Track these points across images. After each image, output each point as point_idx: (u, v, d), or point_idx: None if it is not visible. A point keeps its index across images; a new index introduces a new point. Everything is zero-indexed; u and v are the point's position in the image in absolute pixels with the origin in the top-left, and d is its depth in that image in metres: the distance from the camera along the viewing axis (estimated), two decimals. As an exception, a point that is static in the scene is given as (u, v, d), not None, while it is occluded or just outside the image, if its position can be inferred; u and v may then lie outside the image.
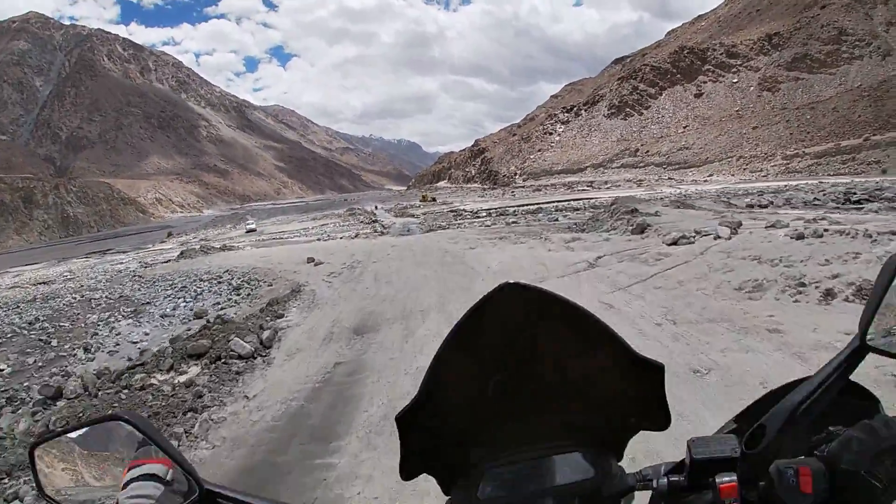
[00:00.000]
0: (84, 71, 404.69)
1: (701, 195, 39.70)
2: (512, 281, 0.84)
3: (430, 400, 0.91)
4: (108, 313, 19.13)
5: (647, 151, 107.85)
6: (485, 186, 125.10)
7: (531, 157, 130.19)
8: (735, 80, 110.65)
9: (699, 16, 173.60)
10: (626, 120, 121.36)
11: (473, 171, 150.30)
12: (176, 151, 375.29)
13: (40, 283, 34.10)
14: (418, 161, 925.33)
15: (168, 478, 0.77)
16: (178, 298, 19.58)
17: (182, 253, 33.59)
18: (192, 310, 16.81)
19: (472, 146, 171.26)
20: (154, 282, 24.58)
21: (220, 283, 20.90)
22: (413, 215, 57.21)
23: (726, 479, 0.77)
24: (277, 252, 28.28)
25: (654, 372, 0.90)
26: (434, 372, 0.90)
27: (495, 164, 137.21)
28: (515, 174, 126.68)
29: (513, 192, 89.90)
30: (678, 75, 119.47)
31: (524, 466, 0.93)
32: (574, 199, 57.17)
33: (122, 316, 18.33)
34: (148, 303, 19.94)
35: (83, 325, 17.97)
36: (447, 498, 1.00)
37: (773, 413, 0.79)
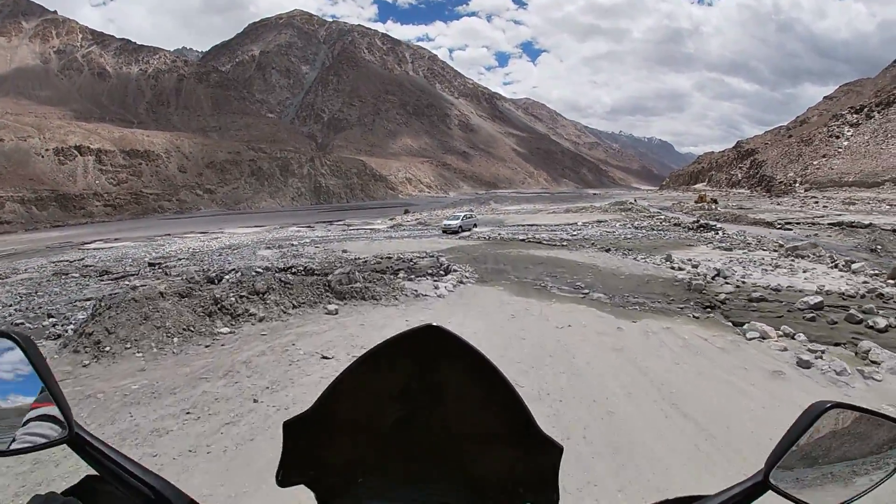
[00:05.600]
0: (345, 61, 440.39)
1: None
2: (437, 324, 0.82)
3: (326, 416, 0.89)
4: None
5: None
6: (754, 193, 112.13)
7: (814, 163, 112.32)
8: None
9: None
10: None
11: (740, 175, 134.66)
12: (428, 136, 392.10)
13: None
14: (669, 161, 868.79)
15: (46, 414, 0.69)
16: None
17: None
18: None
19: (736, 147, 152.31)
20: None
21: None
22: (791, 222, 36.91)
23: None
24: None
25: (553, 452, 0.89)
26: (336, 388, 0.87)
27: (769, 169, 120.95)
28: (794, 182, 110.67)
29: (817, 202, 69.37)
30: None
31: None
32: None
33: None
34: None
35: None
36: None
37: None
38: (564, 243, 27.54)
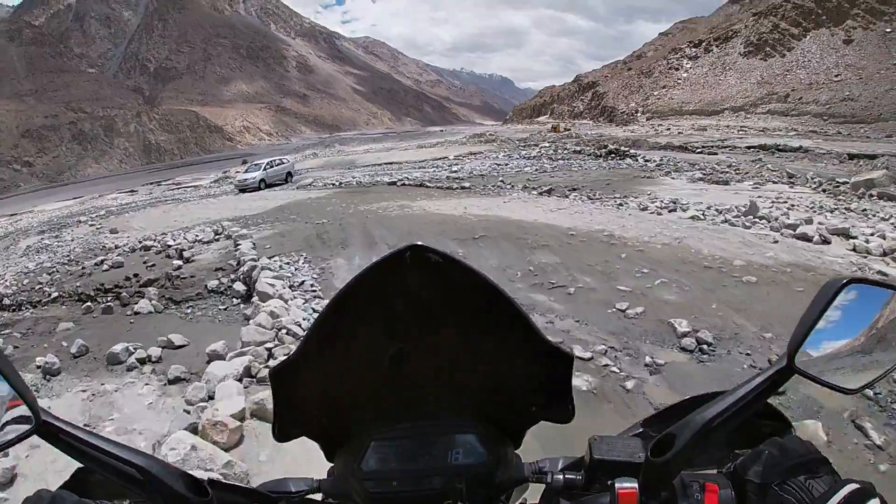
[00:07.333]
0: (171, 4, 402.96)
1: None
2: (420, 243, 0.77)
3: (315, 358, 0.85)
4: None
5: (801, 98, 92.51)
6: (598, 123, 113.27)
7: (655, 93, 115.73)
8: (889, 30, 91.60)
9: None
10: (766, 61, 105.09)
11: (582, 107, 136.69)
12: (264, 80, 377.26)
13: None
14: (510, 96, 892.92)
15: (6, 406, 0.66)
16: None
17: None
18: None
19: (575, 80, 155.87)
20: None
21: None
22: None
23: (627, 486, 0.71)
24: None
25: (562, 361, 0.86)
26: (322, 328, 0.83)
27: (610, 100, 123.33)
28: (636, 111, 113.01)
29: (668, 129, 73.42)
30: (823, 17, 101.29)
31: (414, 443, 0.88)
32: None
33: None
34: None
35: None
36: (330, 465, 0.95)
37: (685, 423, 0.73)
38: (466, 185, 20.02)
